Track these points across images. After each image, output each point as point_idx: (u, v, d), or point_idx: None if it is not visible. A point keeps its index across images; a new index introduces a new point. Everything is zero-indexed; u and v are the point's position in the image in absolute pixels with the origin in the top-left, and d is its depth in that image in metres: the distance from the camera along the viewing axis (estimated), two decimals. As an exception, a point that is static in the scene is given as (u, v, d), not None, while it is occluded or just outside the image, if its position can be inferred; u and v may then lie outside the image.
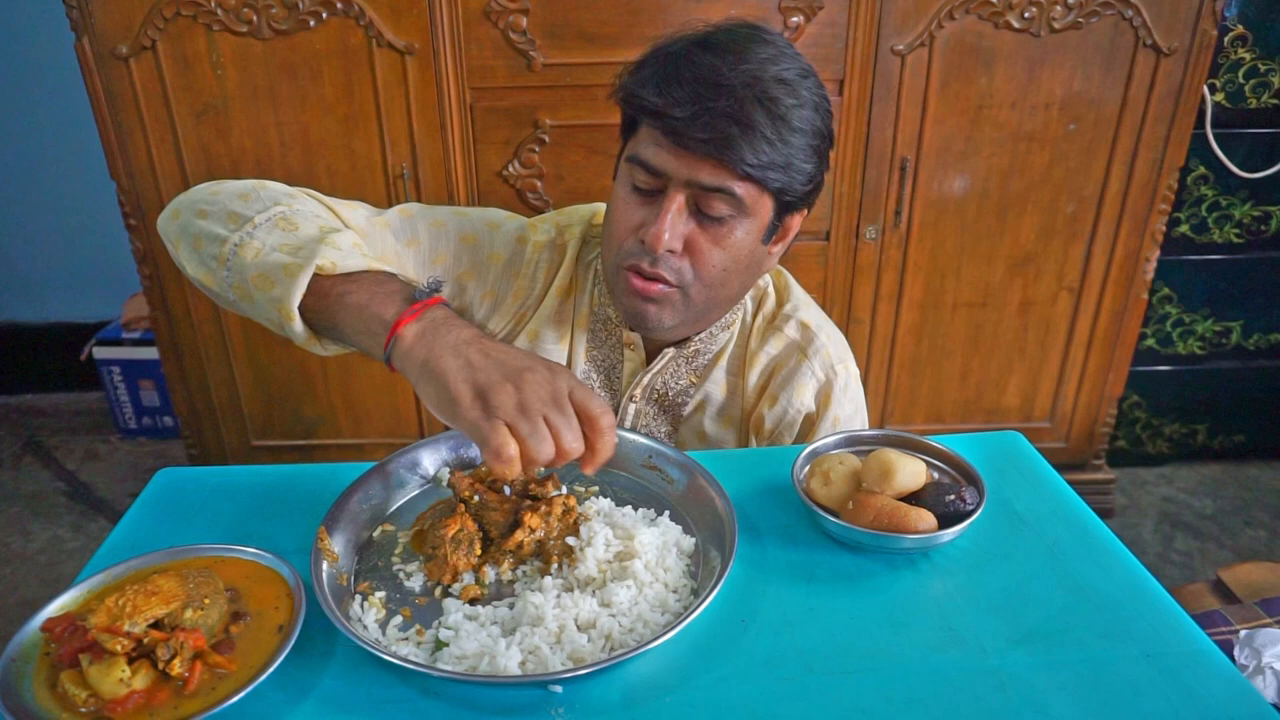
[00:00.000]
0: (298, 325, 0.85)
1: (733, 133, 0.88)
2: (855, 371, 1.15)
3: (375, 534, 0.87)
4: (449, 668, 0.69)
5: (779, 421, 1.11)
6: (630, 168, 0.96)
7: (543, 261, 1.11)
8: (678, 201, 0.93)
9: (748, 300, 1.14)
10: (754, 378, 1.12)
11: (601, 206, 1.14)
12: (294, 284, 0.83)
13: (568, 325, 1.12)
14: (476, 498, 0.85)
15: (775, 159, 0.91)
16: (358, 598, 0.78)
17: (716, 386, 1.13)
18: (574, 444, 0.74)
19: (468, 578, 0.80)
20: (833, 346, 1.12)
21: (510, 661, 0.69)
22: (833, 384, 1.11)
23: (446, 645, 0.72)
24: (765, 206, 0.96)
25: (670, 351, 1.10)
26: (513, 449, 0.71)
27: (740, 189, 0.92)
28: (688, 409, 1.13)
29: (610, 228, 1.00)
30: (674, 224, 0.93)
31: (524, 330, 1.12)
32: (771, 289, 1.16)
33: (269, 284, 0.85)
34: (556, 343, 1.12)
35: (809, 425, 1.12)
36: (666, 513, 0.87)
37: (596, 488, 0.93)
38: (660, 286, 0.97)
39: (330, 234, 0.88)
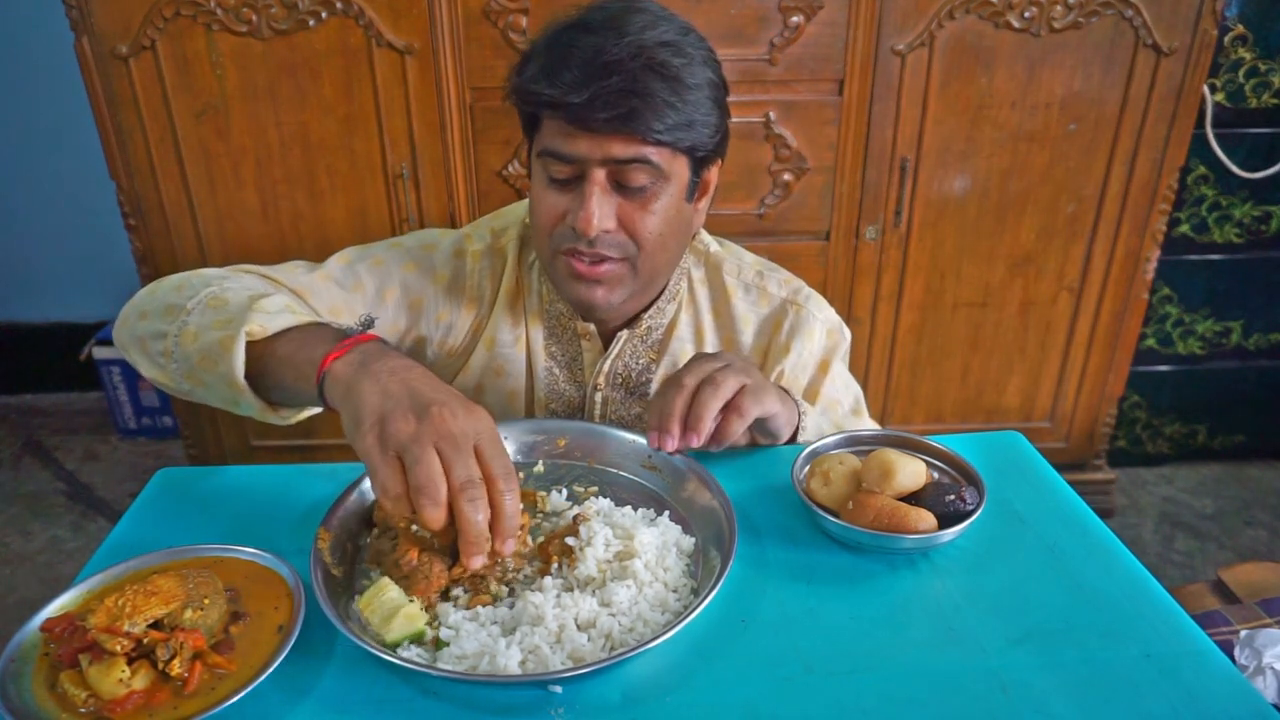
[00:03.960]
0: (249, 396, 0.84)
1: (634, 105, 0.90)
2: None
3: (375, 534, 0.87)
4: (449, 668, 0.69)
5: (795, 365, 1.14)
6: (544, 162, 0.97)
7: (485, 270, 1.12)
8: (599, 182, 0.94)
9: (691, 267, 1.16)
10: (749, 338, 1.15)
11: None
12: (232, 356, 0.82)
13: (521, 324, 1.14)
14: (414, 528, 0.78)
15: (679, 119, 0.93)
16: (357, 598, 0.78)
17: (682, 359, 1.14)
18: (465, 476, 0.70)
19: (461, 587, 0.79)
20: (815, 296, 1.18)
21: (510, 661, 0.69)
22: (833, 321, 1.17)
23: (446, 645, 0.72)
24: (682, 166, 0.98)
25: (624, 334, 1.11)
26: (397, 486, 0.70)
27: (655, 155, 0.94)
28: (653, 388, 1.15)
29: (536, 221, 1.01)
30: (601, 204, 0.94)
31: (481, 339, 1.13)
32: (714, 248, 1.17)
33: (214, 363, 0.84)
34: (513, 346, 1.13)
35: (823, 370, 1.16)
36: (666, 513, 0.87)
37: (596, 488, 0.93)
38: (606, 266, 0.98)
39: (258, 300, 0.87)
